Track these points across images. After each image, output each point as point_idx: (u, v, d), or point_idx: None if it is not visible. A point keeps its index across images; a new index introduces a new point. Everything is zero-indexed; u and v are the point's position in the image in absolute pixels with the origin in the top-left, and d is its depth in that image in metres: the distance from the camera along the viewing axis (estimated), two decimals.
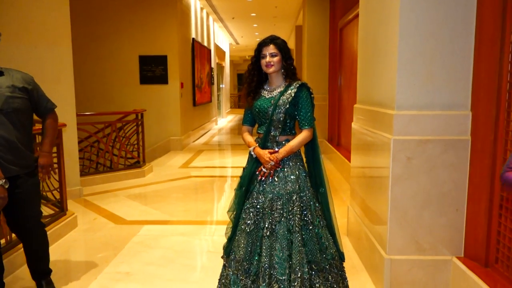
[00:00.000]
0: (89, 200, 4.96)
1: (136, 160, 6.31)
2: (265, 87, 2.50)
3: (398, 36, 2.49)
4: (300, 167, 2.45)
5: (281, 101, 2.37)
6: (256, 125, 2.56)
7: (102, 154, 5.91)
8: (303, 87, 2.41)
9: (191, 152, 8.41)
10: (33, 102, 2.61)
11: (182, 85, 8.65)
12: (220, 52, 15.32)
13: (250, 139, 2.49)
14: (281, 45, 2.42)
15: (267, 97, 2.44)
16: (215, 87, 13.76)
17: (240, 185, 2.50)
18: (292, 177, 2.39)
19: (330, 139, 7.69)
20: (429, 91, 2.51)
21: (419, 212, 2.55)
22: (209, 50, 12.19)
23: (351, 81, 6.11)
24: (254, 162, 2.44)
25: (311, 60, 8.07)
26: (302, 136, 2.41)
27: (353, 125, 3.51)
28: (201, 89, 10.74)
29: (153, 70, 8.31)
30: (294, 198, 2.34)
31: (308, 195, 2.40)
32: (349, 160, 3.73)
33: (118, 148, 6.05)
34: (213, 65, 13.15)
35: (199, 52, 10.33)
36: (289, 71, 2.44)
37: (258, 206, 2.39)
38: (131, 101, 8.21)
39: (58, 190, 3.97)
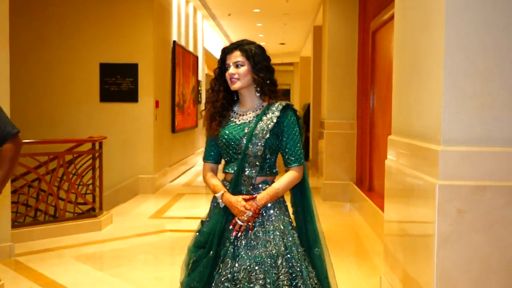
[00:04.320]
0: (22, 262, 4.95)
1: (90, 207, 6.33)
2: (235, 109, 2.55)
3: (444, 47, 2.56)
4: (285, 218, 2.48)
5: (258, 128, 2.42)
6: (223, 163, 2.59)
7: (43, 198, 5.93)
8: (288, 109, 2.47)
9: (167, 197, 8.43)
10: None
11: (157, 104, 8.78)
12: (211, 60, 15.59)
13: (215, 181, 2.53)
14: (250, 51, 2.46)
15: (238, 123, 2.49)
16: (202, 107, 13.85)
17: (196, 244, 2.50)
18: (276, 232, 2.41)
19: (360, 181, 7.71)
20: (486, 120, 2.57)
21: (476, 287, 2.56)
22: (196, 57, 12.43)
23: (387, 102, 6.19)
24: (223, 214, 2.46)
25: (333, 73, 8.17)
26: (290, 176, 2.46)
27: (387, 162, 3.56)
28: (183, 109, 10.88)
29: (118, 83, 8.45)
30: (279, 262, 2.35)
31: (297, 256, 2.41)
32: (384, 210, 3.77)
33: (66, 189, 6.08)
34: (200, 77, 13.37)
35: (182, 59, 10.53)
36: (265, 88, 2.48)
37: (230, 277, 2.36)
38: (87, 124, 8.29)
39: None
